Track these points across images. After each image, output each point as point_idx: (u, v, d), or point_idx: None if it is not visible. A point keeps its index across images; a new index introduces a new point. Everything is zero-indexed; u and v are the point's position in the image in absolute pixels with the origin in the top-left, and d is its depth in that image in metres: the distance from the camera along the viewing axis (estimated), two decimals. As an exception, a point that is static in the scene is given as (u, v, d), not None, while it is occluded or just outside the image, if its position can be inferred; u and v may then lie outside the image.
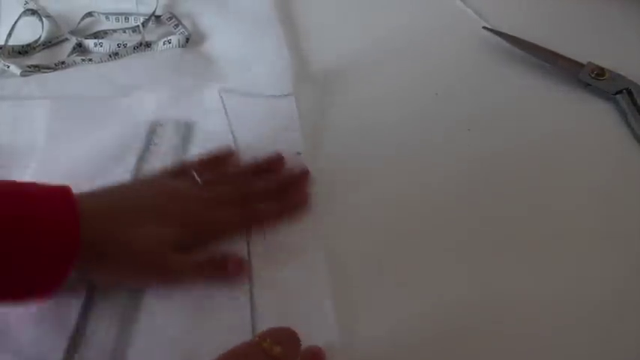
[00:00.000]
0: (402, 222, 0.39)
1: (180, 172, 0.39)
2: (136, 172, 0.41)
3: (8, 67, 0.51)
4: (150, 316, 0.33)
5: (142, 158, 0.42)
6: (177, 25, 0.55)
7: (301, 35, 0.54)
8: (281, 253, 0.36)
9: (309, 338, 0.29)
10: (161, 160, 0.42)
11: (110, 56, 0.52)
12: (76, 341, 0.32)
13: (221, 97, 0.46)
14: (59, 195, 0.30)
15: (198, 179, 0.37)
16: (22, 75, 0.50)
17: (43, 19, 0.55)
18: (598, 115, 0.46)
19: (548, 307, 0.34)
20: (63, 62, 0.51)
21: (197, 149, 0.43)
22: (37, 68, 0.51)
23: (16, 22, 0.55)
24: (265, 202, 0.38)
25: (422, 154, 0.44)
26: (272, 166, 0.41)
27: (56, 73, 0.51)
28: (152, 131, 0.44)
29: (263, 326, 0.31)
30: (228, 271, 0.34)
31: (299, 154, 0.41)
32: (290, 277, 0.35)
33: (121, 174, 0.40)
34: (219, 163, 0.40)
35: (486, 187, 0.41)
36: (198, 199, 0.36)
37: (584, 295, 0.35)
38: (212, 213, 0.36)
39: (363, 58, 0.51)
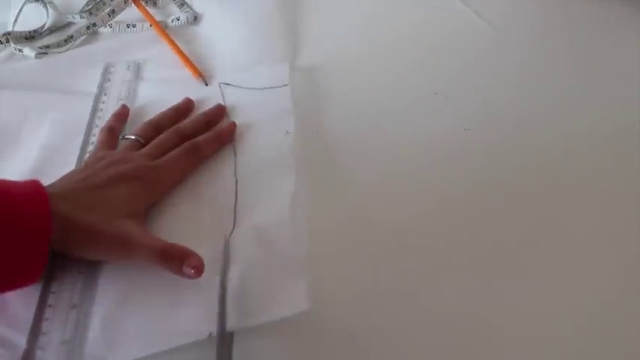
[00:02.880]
0: (395, 218, 0.37)
1: (111, 140, 0.41)
2: (94, 103, 0.46)
3: (21, 50, 0.52)
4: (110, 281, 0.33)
5: (98, 94, 0.47)
6: (182, 5, 0.57)
7: (301, 32, 0.55)
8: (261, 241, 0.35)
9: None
10: (116, 91, 0.47)
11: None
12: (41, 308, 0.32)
13: (221, 88, 0.48)
14: (32, 190, 0.31)
15: (133, 137, 0.40)
16: (37, 57, 0.51)
17: (47, 5, 0.56)
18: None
19: (549, 311, 0.32)
20: (72, 36, 0.53)
21: (147, 83, 0.48)
22: (49, 48, 0.52)
23: (20, 9, 0.56)
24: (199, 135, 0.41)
25: (419, 152, 0.43)
26: (187, 110, 0.45)
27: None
28: (106, 70, 0.50)
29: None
30: (182, 270, 0.32)
31: (288, 132, 0.42)
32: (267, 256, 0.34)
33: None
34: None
35: (485, 186, 0.40)
36: (146, 155, 0.38)
37: (585, 300, 0.33)
38: (162, 160, 0.38)
39: (362, 58, 0.52)
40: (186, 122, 0.43)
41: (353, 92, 0.48)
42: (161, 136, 0.40)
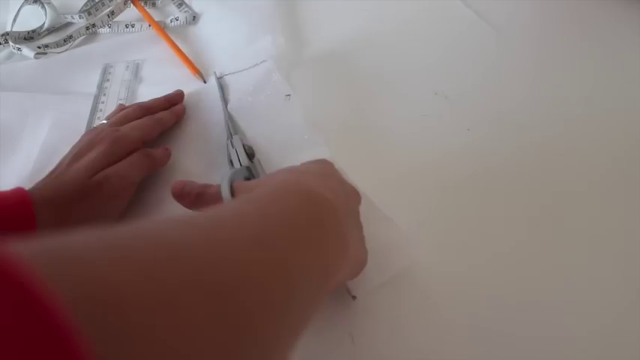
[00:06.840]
0: (395, 217, 0.37)
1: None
2: (93, 103, 0.47)
3: (20, 49, 0.52)
4: None
5: (98, 94, 0.48)
6: (180, 5, 0.57)
7: (301, 33, 0.55)
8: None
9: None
10: (115, 91, 0.48)
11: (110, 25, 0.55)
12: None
13: (218, 83, 0.48)
14: (15, 193, 0.33)
15: (104, 121, 0.42)
16: (36, 57, 0.51)
17: (46, 6, 0.56)
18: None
19: (551, 309, 0.33)
20: (71, 37, 0.53)
21: (146, 83, 0.49)
22: (48, 47, 0.52)
23: (19, 10, 0.56)
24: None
25: (420, 152, 0.42)
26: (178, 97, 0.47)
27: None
28: (105, 70, 0.50)
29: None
30: (156, 158, 0.39)
31: (288, 96, 0.44)
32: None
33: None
34: None
35: (486, 186, 0.40)
36: (111, 124, 0.40)
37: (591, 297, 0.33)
38: (123, 128, 0.40)
39: (362, 59, 0.51)
40: (148, 100, 0.44)
41: (353, 93, 0.48)
42: (125, 110, 0.42)
